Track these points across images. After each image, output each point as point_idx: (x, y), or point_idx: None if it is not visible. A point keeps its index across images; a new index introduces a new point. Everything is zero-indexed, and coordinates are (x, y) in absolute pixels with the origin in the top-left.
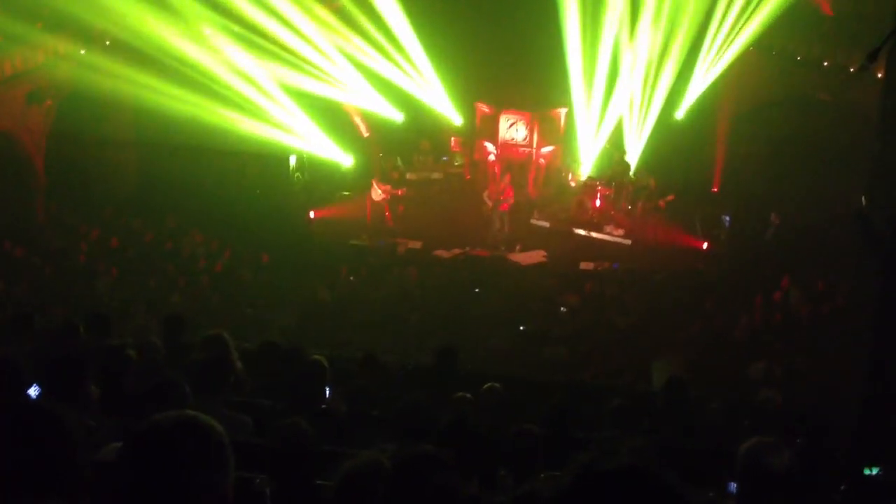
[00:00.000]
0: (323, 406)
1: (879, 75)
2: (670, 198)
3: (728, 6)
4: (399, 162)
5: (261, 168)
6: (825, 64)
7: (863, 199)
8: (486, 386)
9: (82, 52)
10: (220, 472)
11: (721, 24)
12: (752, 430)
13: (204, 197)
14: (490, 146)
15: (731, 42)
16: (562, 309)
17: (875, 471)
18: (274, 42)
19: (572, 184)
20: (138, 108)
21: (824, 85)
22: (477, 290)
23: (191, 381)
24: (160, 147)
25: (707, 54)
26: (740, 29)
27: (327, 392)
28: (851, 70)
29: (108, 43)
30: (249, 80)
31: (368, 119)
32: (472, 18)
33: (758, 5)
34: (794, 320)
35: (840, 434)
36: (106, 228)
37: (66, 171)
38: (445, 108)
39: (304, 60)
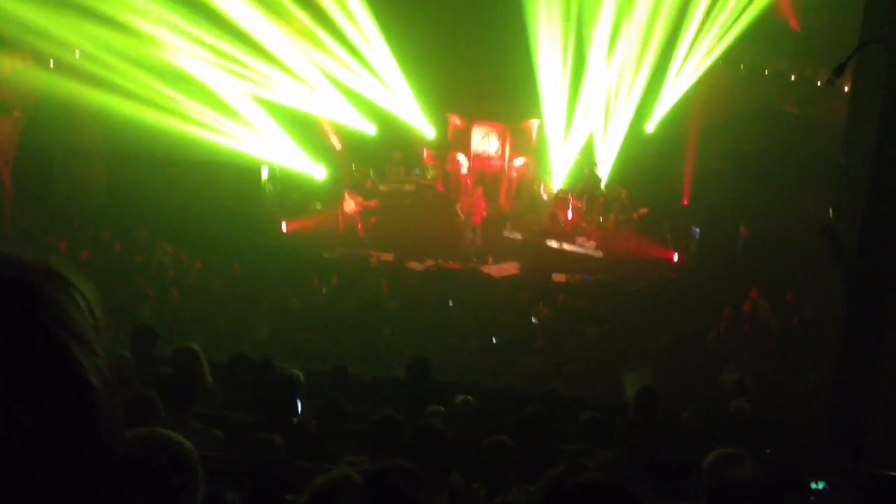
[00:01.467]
0: (294, 420)
1: (846, 89)
2: (644, 211)
3: (698, 22)
4: (371, 173)
5: (233, 179)
6: (792, 78)
7: (830, 211)
8: (458, 399)
9: (51, 63)
10: (189, 490)
11: (691, 39)
12: (723, 440)
13: (174, 208)
14: (462, 158)
15: (701, 56)
16: (533, 320)
17: (822, 485)
18: (246, 54)
19: (544, 196)
20: (108, 118)
21: (791, 98)
22: (451, 304)
23: (162, 395)
24: (130, 158)
25: (677, 68)
26: (709, 44)
27: (299, 406)
28: (818, 84)
29: (77, 54)
30: (222, 91)
31: (341, 131)
32: (445, 31)
33: (727, 21)
34: (764, 331)
35: (810, 443)
36: (74, 240)
37: (34, 182)
38: (418, 120)
39: (276, 72)
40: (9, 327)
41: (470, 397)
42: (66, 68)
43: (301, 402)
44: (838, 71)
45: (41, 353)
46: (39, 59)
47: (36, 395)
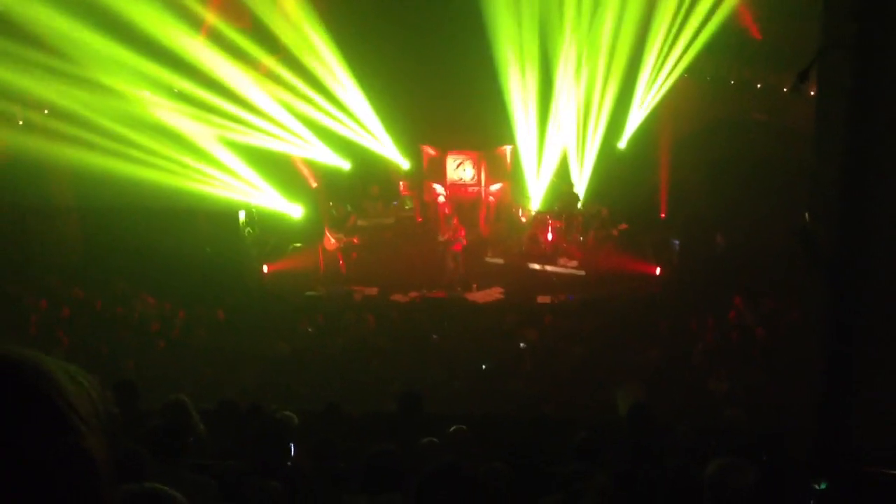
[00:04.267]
0: (288, 463)
1: (812, 93)
2: (623, 226)
3: (661, 37)
4: (349, 209)
5: (210, 225)
6: (758, 86)
7: (805, 215)
8: (452, 429)
9: (20, 122)
10: None
11: (655, 54)
12: (718, 451)
13: (154, 259)
14: (439, 188)
15: (666, 71)
16: (521, 345)
17: (824, 486)
18: (215, 98)
19: (523, 219)
20: (79, 173)
21: (759, 106)
22: (435, 337)
23: (152, 448)
24: (105, 211)
25: (643, 84)
26: (674, 58)
27: (292, 449)
28: (784, 90)
29: (46, 111)
30: (193, 137)
31: (316, 169)
32: (413, 62)
33: (689, 34)
34: (750, 338)
35: (803, 448)
36: (54, 298)
37: (9, 242)
38: (392, 153)
39: (246, 115)
40: (23, 403)
41: (463, 426)
42: (34, 126)
43: (294, 444)
44: (802, 76)
45: (52, 427)
46: (7, 118)
47: (46, 464)
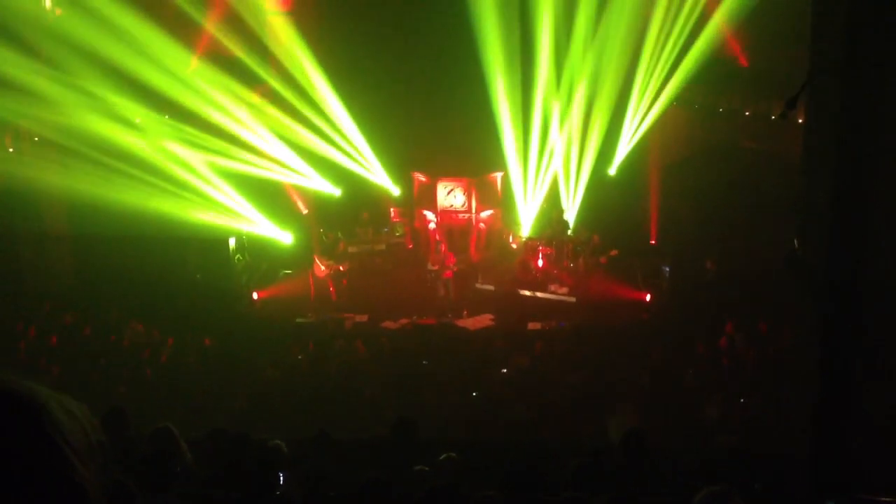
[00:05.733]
0: (277, 493)
1: (800, 120)
2: (614, 253)
3: (650, 65)
4: (340, 236)
5: (200, 252)
6: (747, 113)
7: (795, 241)
8: (442, 457)
9: (10, 149)
10: None
11: (644, 82)
12: (710, 477)
13: (144, 286)
14: (430, 214)
15: (655, 99)
16: (503, 370)
17: None
18: (206, 126)
19: (514, 245)
20: (72, 201)
21: (748, 133)
22: (425, 363)
23: (139, 478)
24: (96, 239)
25: (633, 112)
26: (662, 86)
27: (281, 478)
28: (773, 117)
29: (36, 139)
30: (183, 165)
31: (306, 195)
32: (404, 90)
33: (677, 63)
34: (742, 363)
35: (797, 473)
36: (44, 325)
37: (1, 269)
38: (383, 179)
39: (237, 142)
40: (18, 436)
41: (454, 454)
42: (25, 153)
43: (283, 473)
44: (790, 104)
45: (46, 460)
46: None
47: (40, 497)
